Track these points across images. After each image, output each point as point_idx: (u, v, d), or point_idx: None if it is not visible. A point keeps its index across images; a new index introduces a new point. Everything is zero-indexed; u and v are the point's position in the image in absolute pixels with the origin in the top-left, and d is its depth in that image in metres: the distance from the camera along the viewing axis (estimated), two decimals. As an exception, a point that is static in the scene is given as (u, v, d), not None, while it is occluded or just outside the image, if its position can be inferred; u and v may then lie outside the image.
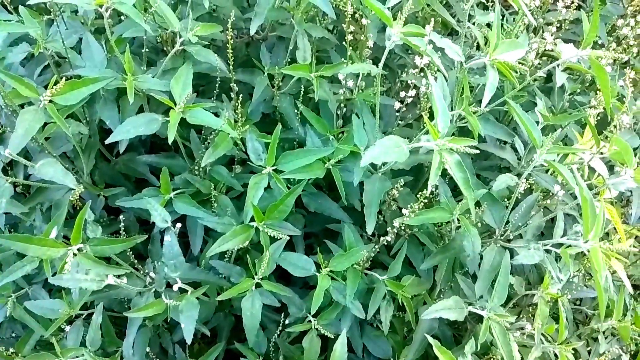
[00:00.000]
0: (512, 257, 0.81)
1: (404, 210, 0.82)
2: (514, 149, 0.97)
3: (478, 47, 1.08)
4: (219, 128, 0.81)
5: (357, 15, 0.97)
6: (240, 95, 0.94)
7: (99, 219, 1.01)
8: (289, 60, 0.97)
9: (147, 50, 0.92)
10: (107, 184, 1.06)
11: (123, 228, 0.89)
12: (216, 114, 0.88)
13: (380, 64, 0.80)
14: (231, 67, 0.88)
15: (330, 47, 1.01)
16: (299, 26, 0.89)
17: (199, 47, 0.86)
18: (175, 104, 0.81)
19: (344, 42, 0.93)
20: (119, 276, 0.78)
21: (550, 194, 0.96)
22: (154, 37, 0.96)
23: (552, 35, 0.96)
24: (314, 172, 0.85)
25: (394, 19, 0.77)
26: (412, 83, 0.86)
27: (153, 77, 0.88)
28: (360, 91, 0.94)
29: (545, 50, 1.03)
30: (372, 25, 0.90)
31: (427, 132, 0.73)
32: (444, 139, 0.68)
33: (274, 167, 0.86)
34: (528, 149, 0.96)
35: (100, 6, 0.79)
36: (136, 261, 0.89)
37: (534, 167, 0.83)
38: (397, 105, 0.86)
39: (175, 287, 0.84)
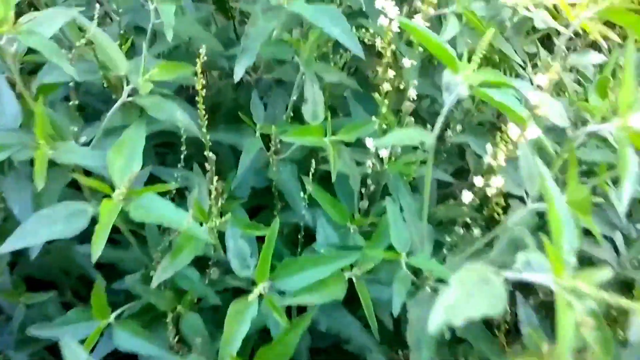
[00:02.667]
0: None
1: None
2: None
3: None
4: (182, 229, 0.51)
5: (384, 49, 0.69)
6: (223, 160, 0.66)
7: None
8: (292, 112, 0.69)
9: (79, 100, 0.63)
10: (35, 281, 0.76)
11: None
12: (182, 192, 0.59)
13: (436, 129, 0.51)
14: (204, 127, 0.58)
15: (346, 92, 0.73)
16: (307, 69, 0.60)
17: (156, 99, 0.57)
18: (113, 188, 0.52)
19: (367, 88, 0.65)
20: None
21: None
22: (100, 81, 0.67)
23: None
24: (330, 292, 0.55)
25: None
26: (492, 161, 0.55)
27: (88, 143, 0.59)
28: (393, 160, 0.65)
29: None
30: (412, 68, 0.62)
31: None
32: (568, 277, 0.38)
33: (268, 283, 0.55)
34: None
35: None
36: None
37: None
38: (468, 197, 0.55)
39: None
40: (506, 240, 0.60)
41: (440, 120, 0.51)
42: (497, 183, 0.49)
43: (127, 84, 0.57)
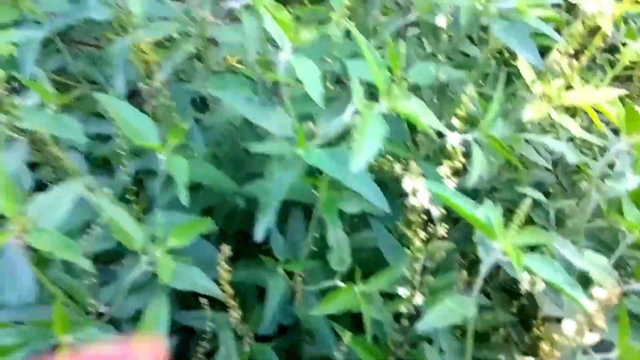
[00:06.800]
0: None
1: None
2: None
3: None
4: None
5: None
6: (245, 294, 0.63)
7: None
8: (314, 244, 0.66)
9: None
10: None
11: None
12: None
13: (474, 292, 0.48)
14: (224, 286, 0.55)
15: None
16: (327, 214, 0.57)
17: (176, 267, 0.54)
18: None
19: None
20: None
21: None
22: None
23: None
24: None
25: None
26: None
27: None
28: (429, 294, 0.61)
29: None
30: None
31: None
32: None
33: None
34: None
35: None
36: None
37: None
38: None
39: None
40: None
41: (478, 283, 0.48)
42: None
43: (144, 253, 0.55)
